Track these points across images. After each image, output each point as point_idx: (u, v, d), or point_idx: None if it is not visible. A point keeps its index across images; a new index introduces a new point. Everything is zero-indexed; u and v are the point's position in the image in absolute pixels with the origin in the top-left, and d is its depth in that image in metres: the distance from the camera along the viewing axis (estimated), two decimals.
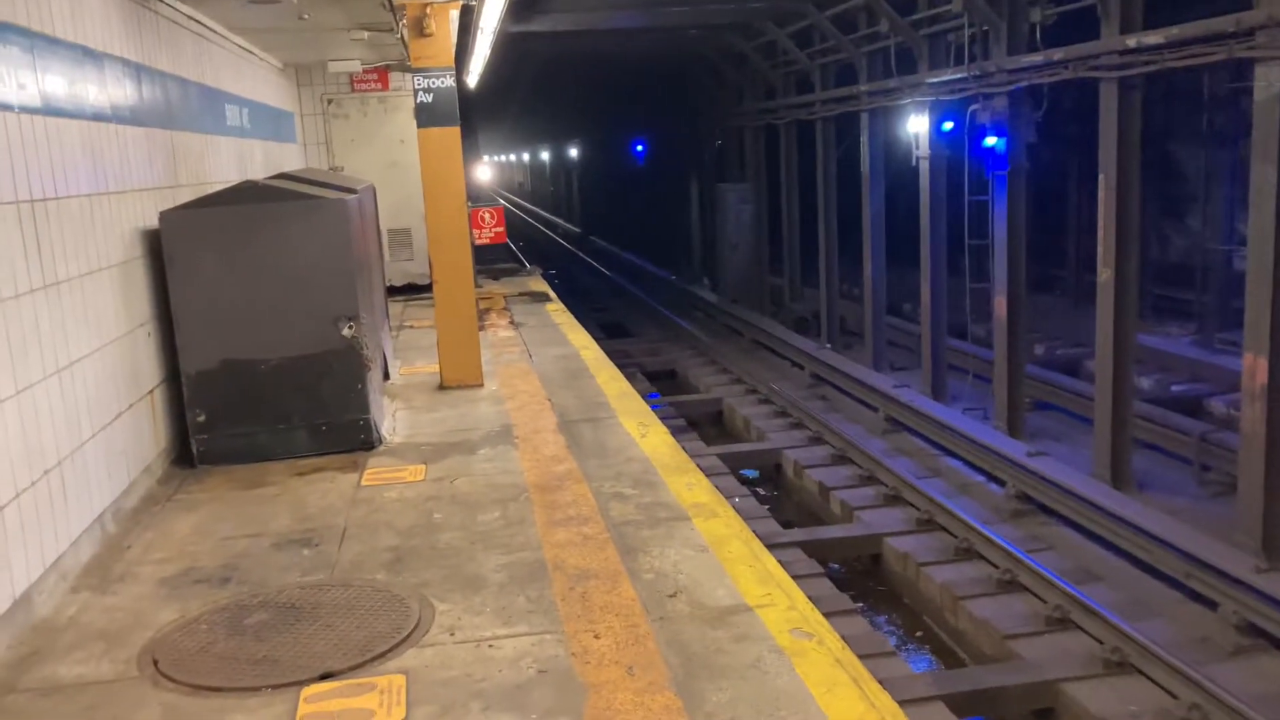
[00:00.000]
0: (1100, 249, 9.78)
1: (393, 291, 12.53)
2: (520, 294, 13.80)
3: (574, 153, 43.33)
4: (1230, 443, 9.61)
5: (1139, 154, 9.61)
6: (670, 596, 4.16)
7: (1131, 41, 8.98)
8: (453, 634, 3.94)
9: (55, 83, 4.88)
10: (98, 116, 5.42)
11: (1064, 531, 9.24)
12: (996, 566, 8.53)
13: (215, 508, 5.57)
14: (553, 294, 13.89)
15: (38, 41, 4.70)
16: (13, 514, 4.12)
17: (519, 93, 26.74)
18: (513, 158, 69.10)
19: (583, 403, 7.51)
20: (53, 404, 4.60)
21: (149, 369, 6.03)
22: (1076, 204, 17.78)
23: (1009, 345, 11.47)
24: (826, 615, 4.20)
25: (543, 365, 8.87)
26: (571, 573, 4.43)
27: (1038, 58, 10.40)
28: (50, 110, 4.78)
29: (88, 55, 5.36)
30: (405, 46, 8.24)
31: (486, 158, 50.93)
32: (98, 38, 5.53)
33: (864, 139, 15.05)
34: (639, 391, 8.05)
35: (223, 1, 7.17)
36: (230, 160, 8.65)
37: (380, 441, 6.56)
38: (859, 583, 9.45)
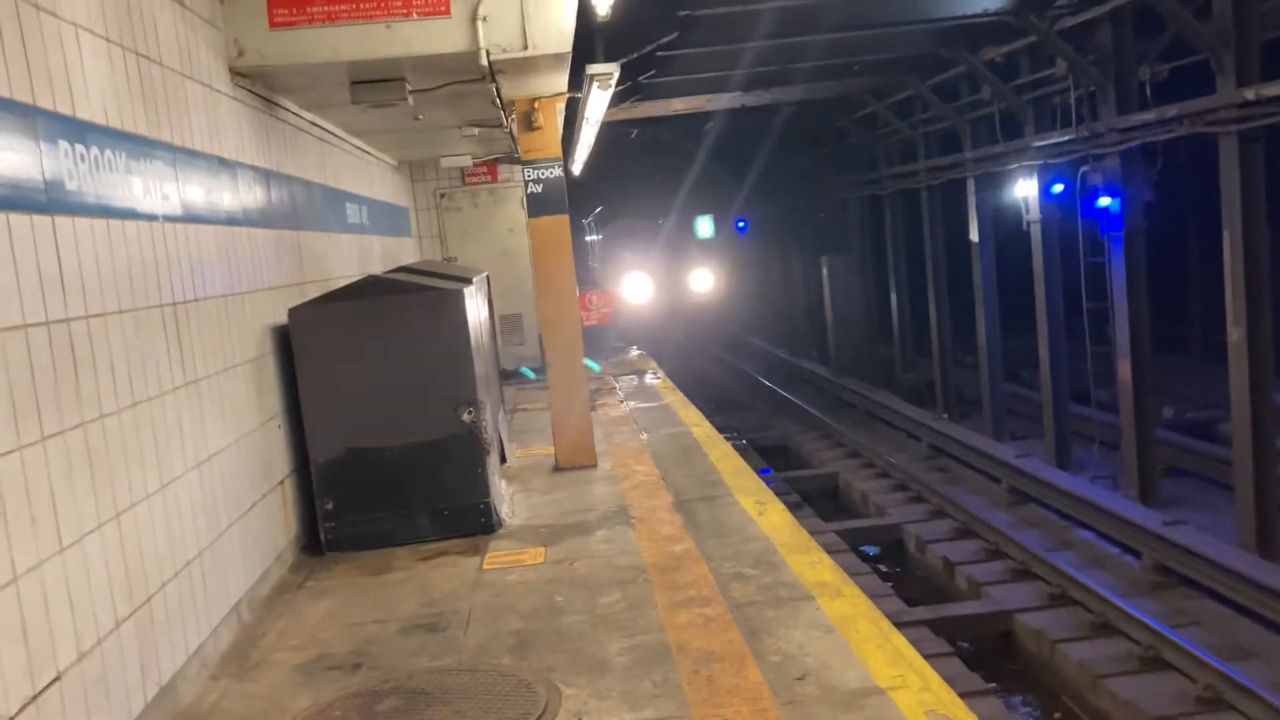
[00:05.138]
0: (1229, 308, 9.42)
1: (505, 375, 12.77)
2: (629, 373, 13.91)
3: None
4: None
5: (1264, 208, 9.29)
6: (798, 679, 4.07)
7: (1250, 94, 8.74)
8: (580, 719, 3.92)
9: (194, 192, 5.18)
10: (231, 221, 5.73)
11: (1209, 604, 8.76)
12: (1138, 643, 8.11)
13: (344, 594, 5.69)
14: (660, 372, 13.96)
15: (179, 155, 5.02)
16: (159, 604, 4.28)
17: (620, 176, 27.30)
18: None
19: (697, 481, 7.49)
20: (193, 497, 4.80)
21: (280, 459, 6.25)
22: (1200, 259, 17.19)
23: (1136, 409, 11.07)
24: (959, 697, 4.05)
25: (655, 444, 8.88)
26: (696, 655, 4.37)
27: (1150, 115, 10.19)
28: (190, 218, 5.08)
29: (223, 165, 5.69)
30: (514, 140, 8.52)
31: (696, 246, 27.54)
32: (231, 148, 5.88)
33: (971, 205, 14.91)
34: (750, 467, 7.99)
35: (344, 108, 7.53)
36: (351, 256, 9.02)
37: (500, 525, 6.63)
38: (990, 661, 9.08)
